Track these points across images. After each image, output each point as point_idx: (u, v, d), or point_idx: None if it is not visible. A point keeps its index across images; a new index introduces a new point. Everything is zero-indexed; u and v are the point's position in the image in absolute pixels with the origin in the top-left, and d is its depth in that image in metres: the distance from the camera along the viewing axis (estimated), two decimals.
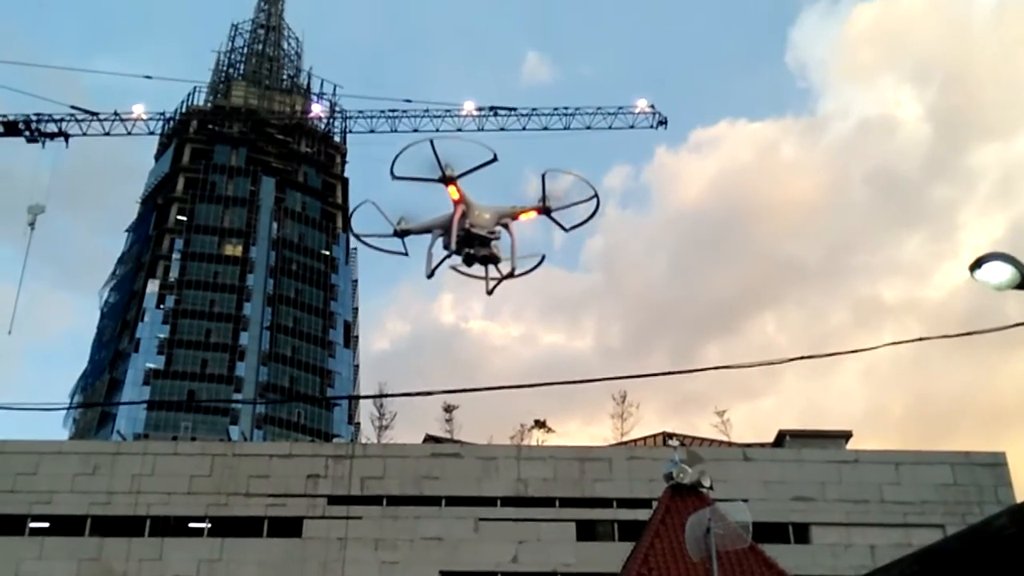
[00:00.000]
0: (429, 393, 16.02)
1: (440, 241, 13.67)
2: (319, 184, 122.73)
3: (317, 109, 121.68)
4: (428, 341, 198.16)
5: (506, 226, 13.67)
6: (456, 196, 13.40)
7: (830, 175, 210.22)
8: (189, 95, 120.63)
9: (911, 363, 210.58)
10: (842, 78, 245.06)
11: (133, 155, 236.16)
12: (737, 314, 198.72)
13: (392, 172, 13.33)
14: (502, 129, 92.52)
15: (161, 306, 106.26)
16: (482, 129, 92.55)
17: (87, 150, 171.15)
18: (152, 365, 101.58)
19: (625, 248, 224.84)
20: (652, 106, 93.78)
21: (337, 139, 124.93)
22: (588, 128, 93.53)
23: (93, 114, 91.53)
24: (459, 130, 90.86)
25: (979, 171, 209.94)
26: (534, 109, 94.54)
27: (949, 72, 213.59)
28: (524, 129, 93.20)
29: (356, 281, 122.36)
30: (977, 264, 10.75)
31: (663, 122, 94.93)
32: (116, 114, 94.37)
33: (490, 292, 13.91)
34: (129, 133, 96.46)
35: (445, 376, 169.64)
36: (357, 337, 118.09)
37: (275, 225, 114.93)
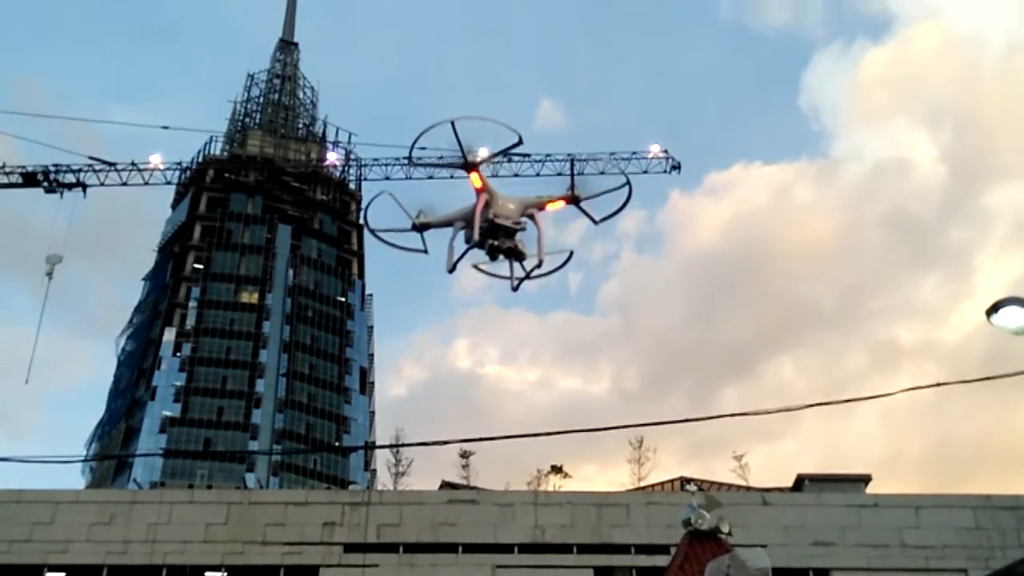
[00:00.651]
0: (445, 442, 15.30)
1: (462, 235, 13.07)
2: (334, 231, 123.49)
3: (332, 157, 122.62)
4: (444, 386, 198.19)
5: (532, 217, 13.02)
6: (479, 184, 12.75)
7: (845, 217, 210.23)
8: (206, 144, 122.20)
9: (930, 406, 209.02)
10: (856, 121, 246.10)
11: (150, 204, 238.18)
12: (754, 357, 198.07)
13: (409, 158, 12.83)
14: (515, 175, 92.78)
15: (178, 354, 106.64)
16: (496, 175, 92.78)
17: (105, 200, 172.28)
18: (168, 413, 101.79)
19: (641, 292, 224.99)
20: (665, 151, 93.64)
21: (352, 186, 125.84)
22: (602, 173, 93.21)
23: (111, 164, 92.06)
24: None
25: (995, 213, 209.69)
26: (548, 155, 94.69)
27: (962, 115, 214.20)
28: (538, 175, 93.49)
29: (372, 327, 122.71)
30: (994, 309, 10.79)
31: (676, 167, 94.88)
32: (133, 164, 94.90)
33: (515, 288, 13.31)
34: (146, 183, 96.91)
35: (462, 422, 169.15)
36: (373, 383, 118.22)
37: (291, 272, 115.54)
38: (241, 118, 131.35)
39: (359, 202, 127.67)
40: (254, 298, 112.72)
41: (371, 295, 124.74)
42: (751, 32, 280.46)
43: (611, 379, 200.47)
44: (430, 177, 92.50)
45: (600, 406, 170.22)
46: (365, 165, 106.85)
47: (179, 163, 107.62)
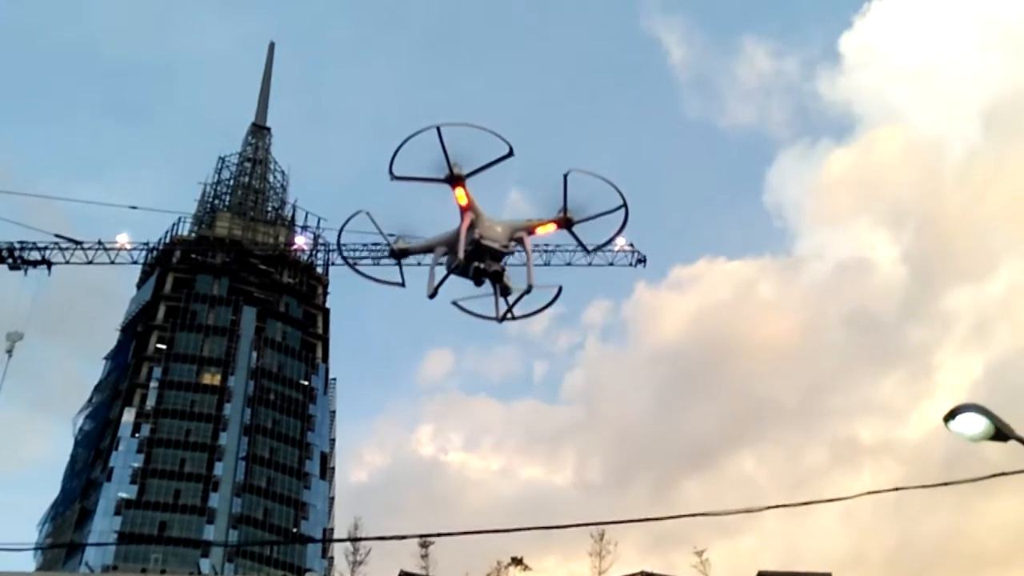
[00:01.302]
0: (403, 537, 15.09)
1: (444, 261, 12.07)
2: (300, 314, 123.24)
3: (301, 241, 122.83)
4: (406, 473, 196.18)
5: (520, 240, 12.14)
6: (464, 202, 11.77)
7: (807, 315, 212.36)
8: (174, 225, 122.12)
9: (890, 505, 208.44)
10: (818, 219, 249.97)
11: (115, 283, 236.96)
12: (716, 451, 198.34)
13: (391, 171, 11.55)
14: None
15: (136, 435, 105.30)
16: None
17: (70, 277, 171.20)
18: (124, 495, 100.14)
19: (605, 382, 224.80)
20: (631, 244, 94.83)
21: (320, 270, 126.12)
22: (568, 264, 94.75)
23: (77, 243, 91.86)
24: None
25: (954, 313, 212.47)
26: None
27: (923, 217, 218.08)
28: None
29: (334, 411, 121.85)
30: (951, 415, 11.05)
31: (642, 260, 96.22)
32: (100, 243, 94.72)
33: (501, 320, 12.18)
34: (112, 262, 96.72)
35: (423, 510, 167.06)
36: (333, 469, 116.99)
37: (255, 354, 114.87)
38: (210, 200, 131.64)
39: (326, 286, 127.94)
40: (216, 380, 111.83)
41: (335, 379, 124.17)
42: (717, 130, 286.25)
43: (574, 470, 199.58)
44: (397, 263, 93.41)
45: (562, 497, 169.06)
46: (333, 250, 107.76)
47: (146, 243, 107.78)
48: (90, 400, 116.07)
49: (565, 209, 12.26)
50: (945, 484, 12.13)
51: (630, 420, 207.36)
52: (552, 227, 12.35)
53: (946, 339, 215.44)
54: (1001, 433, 11.06)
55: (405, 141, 11.42)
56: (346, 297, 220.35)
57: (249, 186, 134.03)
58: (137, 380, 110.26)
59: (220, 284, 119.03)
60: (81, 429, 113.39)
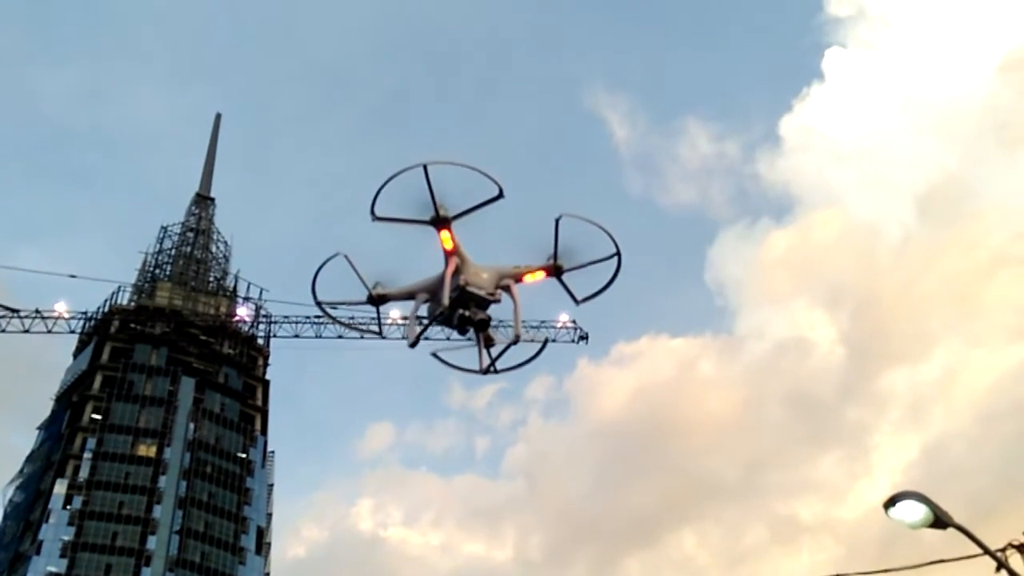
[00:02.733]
0: None
1: (424, 309, 11.61)
2: (240, 385, 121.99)
3: (242, 312, 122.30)
4: (345, 548, 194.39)
5: (507, 288, 11.59)
6: (449, 246, 11.18)
7: (747, 393, 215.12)
8: (113, 294, 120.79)
9: None
10: (759, 298, 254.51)
11: (50, 351, 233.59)
12: (657, 527, 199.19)
13: (372, 211, 10.87)
14: (426, 338, 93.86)
15: (68, 507, 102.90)
16: (405, 337, 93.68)
17: (4, 345, 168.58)
18: (53, 569, 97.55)
19: (547, 458, 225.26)
20: (574, 321, 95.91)
21: (261, 341, 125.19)
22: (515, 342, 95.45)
23: (14, 311, 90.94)
24: (384, 337, 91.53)
25: (890, 394, 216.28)
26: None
27: (860, 298, 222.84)
28: (448, 339, 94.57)
29: (272, 485, 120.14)
30: (891, 502, 11.62)
31: (584, 337, 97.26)
32: (38, 311, 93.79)
33: (485, 372, 11.90)
34: (50, 331, 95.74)
35: None
36: (269, 544, 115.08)
37: (192, 426, 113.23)
38: (152, 269, 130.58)
39: (266, 357, 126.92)
40: (152, 451, 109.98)
41: (273, 452, 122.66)
42: (660, 208, 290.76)
43: (514, 545, 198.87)
44: (340, 336, 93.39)
45: (503, 574, 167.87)
46: (275, 322, 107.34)
47: (84, 312, 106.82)
48: (21, 471, 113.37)
49: (556, 256, 11.69)
50: (885, 571, 12.65)
51: (571, 496, 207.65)
52: (541, 275, 11.85)
53: (883, 419, 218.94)
54: (940, 521, 11.61)
55: (389, 180, 10.82)
56: (287, 369, 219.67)
57: (191, 256, 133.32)
58: (70, 451, 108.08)
59: (159, 354, 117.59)
60: (11, 501, 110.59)
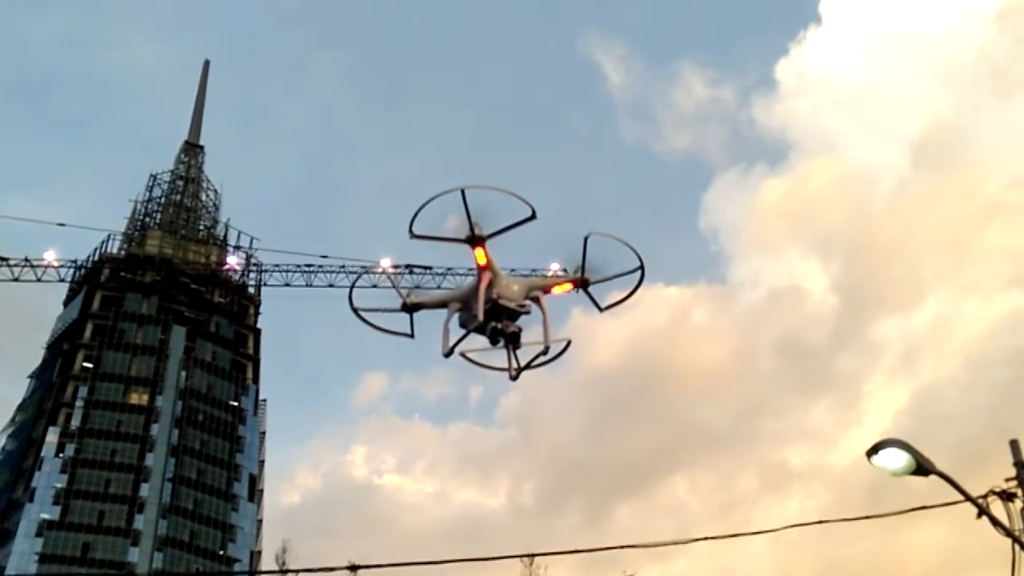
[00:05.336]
0: (331, 570, 14.63)
1: (456, 317, 12.06)
2: (231, 334, 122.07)
3: (233, 261, 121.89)
4: (338, 496, 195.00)
5: (536, 299, 12.22)
6: (483, 261, 11.79)
7: (740, 341, 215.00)
8: (103, 243, 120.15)
9: (818, 529, 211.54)
10: (752, 246, 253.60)
11: (41, 300, 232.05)
12: (649, 475, 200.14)
13: (411, 230, 11.47)
14: (417, 287, 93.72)
15: (60, 455, 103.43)
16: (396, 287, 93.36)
17: None
18: (47, 516, 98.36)
19: (540, 406, 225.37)
20: (565, 269, 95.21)
21: (252, 290, 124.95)
22: None
23: (3, 259, 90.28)
24: (374, 287, 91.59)
25: (882, 343, 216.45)
26: (449, 268, 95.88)
27: (853, 247, 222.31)
28: (439, 288, 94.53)
29: (264, 433, 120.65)
30: (874, 450, 11.58)
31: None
32: (27, 260, 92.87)
33: (514, 377, 12.20)
34: (39, 280, 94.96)
35: (354, 533, 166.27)
36: (262, 491, 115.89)
37: (183, 374, 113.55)
38: (141, 217, 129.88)
39: (258, 306, 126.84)
40: (144, 399, 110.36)
41: (265, 400, 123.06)
42: (655, 154, 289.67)
43: (507, 493, 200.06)
44: (331, 285, 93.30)
45: (496, 521, 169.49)
46: (265, 271, 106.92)
47: (74, 261, 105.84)
48: (13, 419, 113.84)
49: (583, 270, 12.52)
50: (868, 517, 12.77)
51: (564, 444, 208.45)
52: (569, 287, 12.62)
53: (875, 368, 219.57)
54: (922, 468, 11.68)
55: (427, 202, 11.40)
56: (280, 318, 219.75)
57: (181, 204, 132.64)
58: (62, 399, 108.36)
59: (149, 303, 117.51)
60: (3, 448, 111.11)
